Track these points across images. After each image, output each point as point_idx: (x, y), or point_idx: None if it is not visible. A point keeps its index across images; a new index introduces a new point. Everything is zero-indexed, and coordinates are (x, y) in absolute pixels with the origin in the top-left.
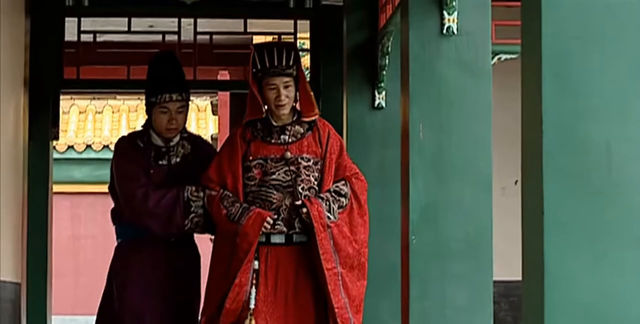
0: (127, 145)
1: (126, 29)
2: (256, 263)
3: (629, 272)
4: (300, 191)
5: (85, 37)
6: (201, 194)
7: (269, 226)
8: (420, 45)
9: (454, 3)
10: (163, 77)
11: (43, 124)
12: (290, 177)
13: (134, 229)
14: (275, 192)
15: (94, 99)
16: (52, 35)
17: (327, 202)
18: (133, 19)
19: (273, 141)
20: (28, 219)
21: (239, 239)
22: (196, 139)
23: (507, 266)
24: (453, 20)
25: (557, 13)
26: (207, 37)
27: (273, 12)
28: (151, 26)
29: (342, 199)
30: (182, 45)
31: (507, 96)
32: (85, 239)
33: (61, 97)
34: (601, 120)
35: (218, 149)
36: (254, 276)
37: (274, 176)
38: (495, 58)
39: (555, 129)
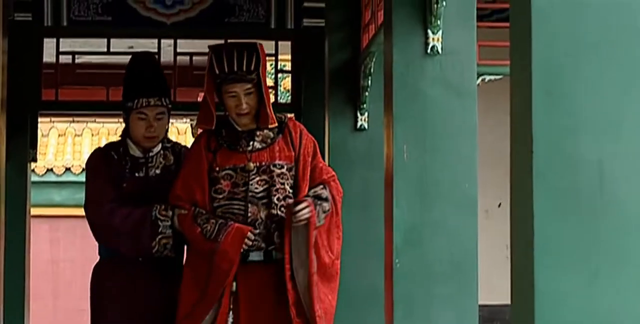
0: (98, 159)
1: (105, 50)
2: (234, 284)
3: (622, 292)
4: (276, 201)
5: (64, 58)
6: (170, 212)
7: (250, 242)
8: (404, 65)
9: (438, 22)
10: (140, 80)
11: (21, 145)
12: (263, 188)
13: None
14: (249, 205)
15: (73, 121)
16: (30, 56)
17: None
18: (112, 40)
19: (241, 148)
20: (5, 242)
21: (218, 258)
22: (180, 150)
23: (491, 289)
24: (438, 40)
25: (548, 29)
26: (187, 58)
27: (254, 32)
28: (131, 47)
29: (325, 204)
30: (162, 67)
31: (491, 118)
32: (64, 262)
33: (40, 119)
34: (593, 137)
35: (183, 162)
36: (231, 299)
37: (245, 188)
38: (479, 79)
39: (545, 146)
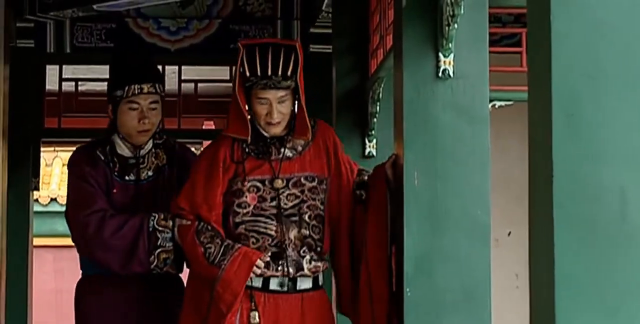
0: (83, 159)
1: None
2: (255, 315)
3: None
4: (307, 220)
5: (67, 86)
6: (170, 223)
7: (259, 271)
8: (414, 89)
9: (450, 45)
10: (130, 65)
11: (23, 174)
12: (293, 203)
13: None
14: (277, 224)
15: None
16: (32, 83)
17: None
18: None
19: (271, 157)
20: (7, 272)
21: (220, 287)
22: (174, 146)
23: (500, 319)
24: (449, 63)
25: (568, 51)
26: (192, 85)
27: None
28: None
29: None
30: (165, 94)
31: (500, 145)
32: (68, 292)
33: (44, 149)
34: (615, 165)
35: (193, 167)
36: None
37: (273, 203)
38: (490, 105)
39: (566, 173)
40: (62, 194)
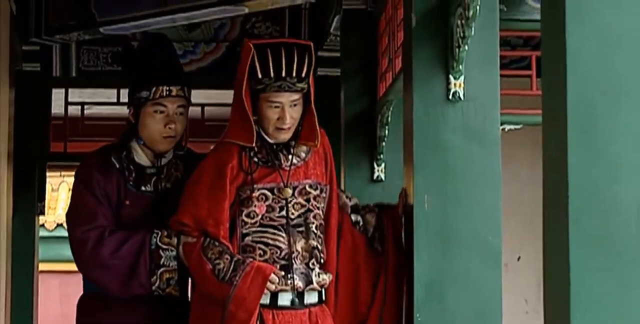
0: (94, 165)
1: (115, 100)
2: None
3: None
4: (315, 230)
5: (73, 109)
6: (174, 240)
7: (273, 287)
8: (424, 111)
9: (460, 67)
10: (158, 65)
11: (29, 198)
12: (299, 213)
13: None
14: (285, 235)
15: None
16: (38, 107)
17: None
18: (122, 91)
19: (279, 164)
20: (12, 297)
21: (233, 306)
22: (192, 158)
23: None
24: (459, 85)
25: (583, 67)
26: (199, 109)
27: None
28: None
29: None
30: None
31: (510, 169)
32: (74, 318)
33: (50, 173)
34: (632, 181)
35: (193, 178)
36: None
37: (282, 213)
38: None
39: (582, 191)
40: None
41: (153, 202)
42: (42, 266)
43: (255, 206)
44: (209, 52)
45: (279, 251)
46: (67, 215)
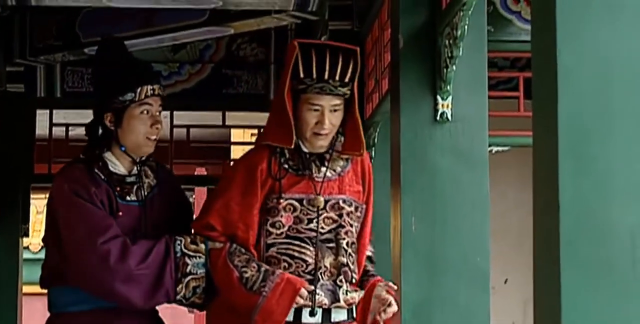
0: (84, 177)
1: None
2: None
3: None
4: (345, 247)
5: (57, 131)
6: (202, 246)
7: (302, 301)
8: (412, 132)
9: (448, 87)
10: (134, 66)
11: (13, 220)
12: (330, 228)
13: (82, 295)
14: (313, 248)
15: None
16: (22, 128)
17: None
18: None
19: (311, 174)
20: None
21: (260, 317)
22: (157, 166)
23: None
24: (447, 106)
25: (575, 88)
26: (184, 130)
27: (253, 104)
28: None
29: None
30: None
31: (496, 191)
32: None
33: (35, 195)
34: (625, 204)
35: (225, 180)
36: None
37: (310, 225)
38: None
39: (573, 214)
40: None
41: (140, 211)
42: (26, 289)
43: (281, 216)
44: (194, 73)
45: (304, 265)
46: (71, 232)
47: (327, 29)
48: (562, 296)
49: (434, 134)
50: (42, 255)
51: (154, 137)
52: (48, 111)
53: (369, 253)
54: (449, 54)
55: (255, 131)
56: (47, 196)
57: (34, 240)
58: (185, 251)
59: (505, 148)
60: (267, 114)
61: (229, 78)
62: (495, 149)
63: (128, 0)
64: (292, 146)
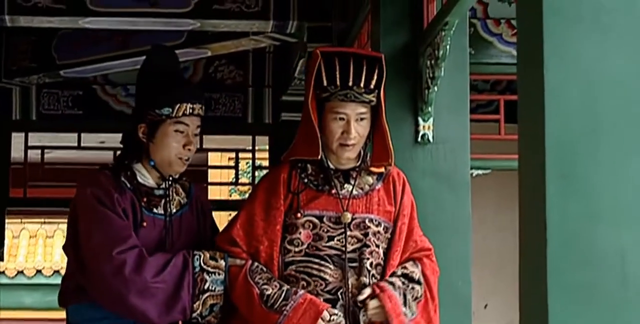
0: (109, 183)
1: (76, 144)
2: None
3: None
4: (369, 267)
5: (33, 154)
6: (222, 263)
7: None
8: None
9: (429, 108)
10: (180, 80)
11: None
12: (353, 247)
13: (100, 312)
14: (333, 267)
15: (45, 223)
16: None
17: (401, 291)
18: (83, 135)
19: (333, 191)
20: None
21: None
22: (190, 185)
23: None
24: (428, 128)
25: (562, 106)
26: None
27: (231, 127)
28: (102, 142)
29: (417, 287)
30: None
31: (476, 215)
32: None
33: (11, 220)
34: (614, 225)
35: (251, 196)
36: None
37: (330, 243)
38: None
39: (560, 236)
40: (28, 266)
41: (165, 225)
42: (2, 314)
43: (300, 233)
44: None
45: (323, 283)
46: (86, 241)
47: (306, 51)
48: (550, 320)
49: (415, 157)
50: (18, 280)
51: (185, 157)
52: (23, 134)
53: (406, 271)
54: (431, 75)
55: (233, 155)
56: (22, 220)
57: (9, 265)
58: (204, 266)
59: (486, 171)
60: (245, 137)
61: (207, 101)
62: (475, 172)
63: (104, 22)
64: (319, 157)
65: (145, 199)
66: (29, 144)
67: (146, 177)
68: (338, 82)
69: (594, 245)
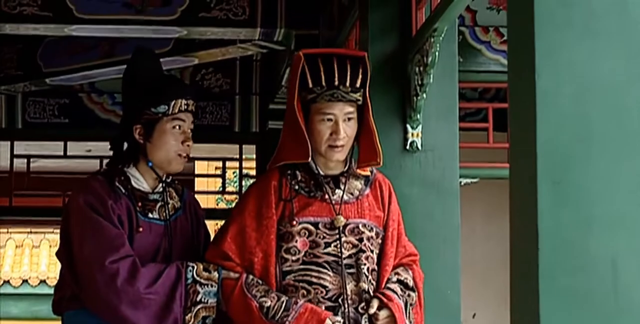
0: (103, 189)
1: (62, 153)
2: None
3: None
4: (366, 272)
5: (19, 163)
6: (215, 274)
7: None
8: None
9: (418, 116)
10: (170, 77)
11: None
12: (349, 253)
13: (95, 321)
14: (331, 274)
15: (31, 233)
16: None
17: (403, 299)
18: (69, 143)
19: (325, 197)
20: None
21: None
22: (183, 190)
23: None
24: (417, 135)
25: (554, 112)
26: None
27: (218, 136)
28: (89, 150)
29: (412, 294)
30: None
31: (465, 224)
32: None
33: None
34: (606, 232)
35: (239, 206)
36: None
37: (327, 249)
38: None
39: (552, 242)
40: (14, 276)
41: (162, 230)
42: None
43: (296, 241)
44: None
45: (324, 291)
46: (79, 249)
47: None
48: None
49: (404, 164)
50: (4, 290)
51: (184, 154)
52: (9, 142)
53: (400, 277)
54: (419, 82)
55: (220, 164)
56: (8, 230)
57: None
58: (197, 278)
59: (475, 180)
60: (232, 146)
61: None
62: (464, 181)
63: (90, 29)
64: (309, 160)
65: (140, 204)
66: (15, 152)
67: (140, 181)
68: (324, 83)
69: (586, 252)
